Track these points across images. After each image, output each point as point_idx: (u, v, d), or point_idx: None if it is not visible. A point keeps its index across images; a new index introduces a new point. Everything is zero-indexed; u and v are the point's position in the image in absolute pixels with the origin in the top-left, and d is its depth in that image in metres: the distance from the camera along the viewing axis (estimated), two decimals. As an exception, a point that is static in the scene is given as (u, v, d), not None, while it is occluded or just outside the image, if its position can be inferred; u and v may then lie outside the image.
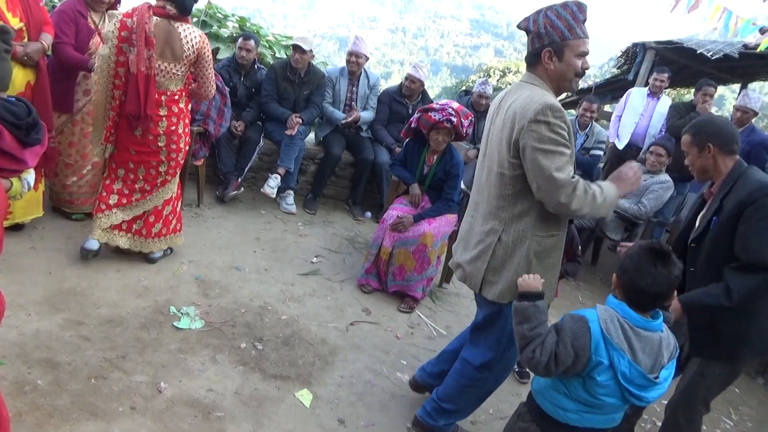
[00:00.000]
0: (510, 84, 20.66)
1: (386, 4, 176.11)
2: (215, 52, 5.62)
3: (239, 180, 4.47)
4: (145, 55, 2.87)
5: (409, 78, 4.85)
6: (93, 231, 3.09)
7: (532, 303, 1.71)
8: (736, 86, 9.20)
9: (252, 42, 4.43)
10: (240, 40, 4.47)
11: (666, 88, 5.78)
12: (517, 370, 3.09)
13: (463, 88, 6.47)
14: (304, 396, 2.52)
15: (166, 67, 2.96)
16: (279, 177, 4.43)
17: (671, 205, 5.01)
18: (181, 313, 2.87)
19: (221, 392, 2.40)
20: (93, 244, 3.10)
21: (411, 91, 4.88)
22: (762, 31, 5.27)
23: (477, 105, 5.27)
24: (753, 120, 5.05)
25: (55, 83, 3.20)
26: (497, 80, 21.32)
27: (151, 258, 3.27)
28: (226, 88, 4.13)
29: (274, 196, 4.43)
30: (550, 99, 1.86)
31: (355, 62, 4.77)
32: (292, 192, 4.69)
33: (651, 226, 5.12)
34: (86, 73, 3.31)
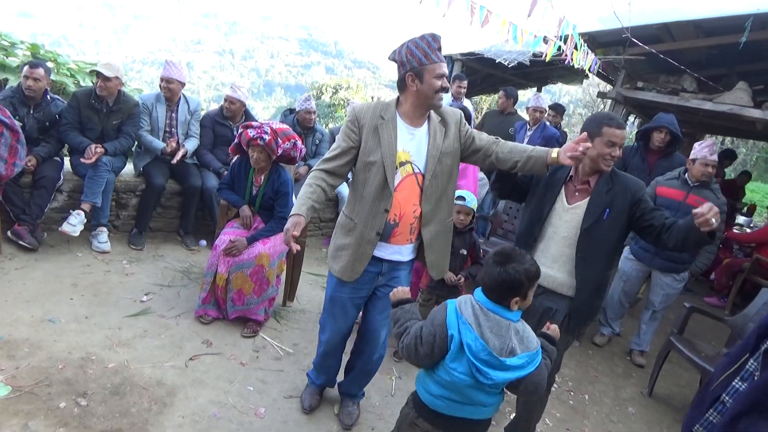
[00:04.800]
0: (344, 100, 20.96)
1: (210, 27, 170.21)
2: (4, 83, 5.01)
3: (36, 222, 4.00)
4: None
5: (228, 99, 4.71)
6: None
7: (400, 307, 1.99)
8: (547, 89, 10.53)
9: (41, 70, 3.98)
10: (26, 68, 3.97)
11: (467, 94, 6.49)
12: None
13: (287, 107, 6.44)
14: (140, 446, 2.33)
15: None
16: (83, 213, 4.03)
17: (487, 198, 5.53)
18: (-20, 383, 2.48)
19: (37, 463, 2.12)
20: None
21: (232, 113, 4.74)
22: (545, 40, 6.09)
23: (305, 121, 5.34)
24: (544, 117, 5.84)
25: None
26: (330, 96, 21.73)
27: None
28: (16, 123, 3.65)
29: (76, 234, 3.98)
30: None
31: (167, 88, 4.50)
32: (105, 229, 4.28)
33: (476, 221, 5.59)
34: None
